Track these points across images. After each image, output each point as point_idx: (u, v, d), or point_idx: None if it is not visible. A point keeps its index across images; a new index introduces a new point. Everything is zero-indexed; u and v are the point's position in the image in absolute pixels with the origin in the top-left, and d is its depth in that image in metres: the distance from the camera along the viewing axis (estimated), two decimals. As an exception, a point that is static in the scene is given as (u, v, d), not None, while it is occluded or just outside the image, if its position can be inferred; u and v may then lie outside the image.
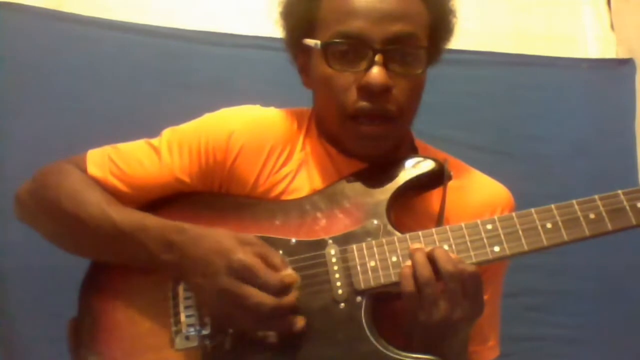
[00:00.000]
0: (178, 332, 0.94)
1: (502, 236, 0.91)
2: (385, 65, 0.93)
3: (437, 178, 1.00)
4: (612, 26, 2.06)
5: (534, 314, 1.80)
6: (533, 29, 2.02)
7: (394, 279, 0.91)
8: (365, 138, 0.98)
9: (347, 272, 0.93)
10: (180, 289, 0.96)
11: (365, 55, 0.94)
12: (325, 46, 0.96)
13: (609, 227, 0.89)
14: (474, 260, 0.90)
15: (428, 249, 0.89)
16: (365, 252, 0.93)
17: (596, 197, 0.91)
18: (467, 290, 0.86)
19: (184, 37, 1.71)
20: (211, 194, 1.04)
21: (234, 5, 1.81)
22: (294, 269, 0.94)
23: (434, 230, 0.93)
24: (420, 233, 0.93)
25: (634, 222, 0.89)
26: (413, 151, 1.08)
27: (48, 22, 1.62)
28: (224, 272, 0.88)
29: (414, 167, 1.00)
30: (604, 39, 2.05)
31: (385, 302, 0.94)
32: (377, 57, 0.93)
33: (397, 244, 0.93)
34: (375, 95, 0.94)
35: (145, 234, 0.94)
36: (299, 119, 1.09)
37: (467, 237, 0.91)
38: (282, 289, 0.88)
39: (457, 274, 0.85)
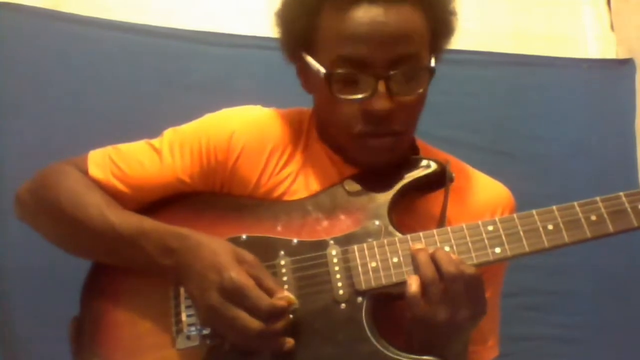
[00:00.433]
0: (179, 331, 0.94)
1: (504, 237, 0.91)
2: (388, 90, 0.92)
3: (438, 179, 1.00)
4: (612, 26, 2.06)
5: (534, 314, 1.80)
6: (533, 29, 2.02)
7: (395, 279, 0.91)
8: (373, 153, 0.98)
9: (348, 272, 0.93)
10: (182, 289, 0.96)
11: (367, 81, 0.93)
12: (329, 76, 0.94)
13: (611, 229, 0.89)
14: (475, 261, 0.90)
15: (430, 250, 0.89)
16: (366, 252, 0.94)
17: (597, 198, 0.91)
18: (470, 291, 0.86)
19: (183, 37, 1.71)
20: (212, 194, 1.04)
21: (233, 5, 1.81)
22: (295, 269, 0.94)
23: (435, 231, 0.93)
24: (421, 234, 0.93)
25: (635, 224, 0.89)
26: (415, 152, 1.08)
27: (47, 22, 1.62)
28: (215, 289, 0.87)
29: (415, 169, 1.01)
30: (604, 39, 2.05)
31: (386, 303, 0.94)
32: (380, 84, 0.92)
33: (398, 244, 0.93)
34: (379, 120, 0.94)
35: (144, 238, 0.94)
36: (299, 120, 1.09)
37: (468, 238, 0.92)
38: (272, 314, 0.86)
39: (459, 275, 0.85)
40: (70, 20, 1.64)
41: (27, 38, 1.59)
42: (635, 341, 1.83)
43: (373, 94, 0.92)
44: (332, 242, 0.96)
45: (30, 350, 1.48)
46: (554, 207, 0.91)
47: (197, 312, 0.92)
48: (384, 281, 0.92)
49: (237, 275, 0.87)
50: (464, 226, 0.92)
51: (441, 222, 0.99)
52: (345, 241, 0.95)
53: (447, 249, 0.91)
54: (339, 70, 0.93)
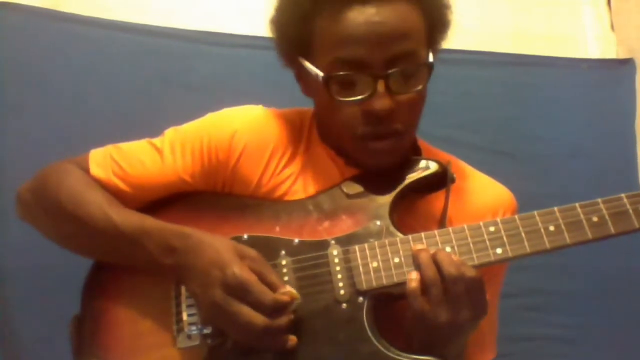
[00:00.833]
0: (180, 330, 0.94)
1: (505, 238, 0.91)
2: (387, 89, 0.92)
3: (440, 180, 1.00)
4: (612, 26, 2.06)
5: (534, 314, 1.80)
6: (533, 29, 2.02)
7: (396, 279, 0.91)
8: (376, 155, 0.98)
9: (350, 272, 0.93)
10: (183, 288, 0.96)
11: (366, 81, 0.92)
12: (327, 79, 0.94)
13: (612, 230, 0.89)
14: (476, 262, 0.90)
15: (431, 251, 0.89)
16: (367, 252, 0.94)
17: (599, 200, 0.91)
18: (471, 293, 0.86)
19: (184, 37, 1.71)
20: (214, 193, 1.04)
21: (233, 5, 1.81)
22: (296, 269, 0.94)
23: (436, 231, 0.93)
24: (422, 234, 0.93)
25: (637, 225, 0.89)
26: (416, 152, 1.08)
27: (47, 22, 1.62)
28: (218, 286, 0.87)
29: (417, 169, 1.01)
30: (604, 39, 2.05)
31: (387, 303, 0.94)
32: (379, 84, 0.92)
33: (399, 245, 0.93)
34: (380, 119, 0.94)
35: (146, 237, 0.94)
36: (300, 120, 1.09)
37: (469, 238, 0.92)
38: (276, 309, 0.87)
39: (460, 276, 0.85)
40: (71, 20, 1.64)
41: (27, 38, 1.59)
42: (635, 341, 1.83)
43: (373, 94, 0.92)
44: (333, 242, 0.96)
45: (30, 350, 1.48)
46: (556, 209, 0.91)
47: (199, 310, 0.92)
48: (385, 281, 0.92)
49: (239, 270, 0.87)
50: (466, 227, 0.93)
51: (442, 222, 0.99)
52: (346, 241, 0.95)
53: (448, 249, 0.91)
54: (337, 73, 0.93)
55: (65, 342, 1.02)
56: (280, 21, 1.02)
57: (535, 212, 0.92)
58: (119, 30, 1.66)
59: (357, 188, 1.00)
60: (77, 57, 1.62)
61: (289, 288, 0.89)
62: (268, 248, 0.95)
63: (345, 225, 0.97)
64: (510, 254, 0.90)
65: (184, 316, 0.94)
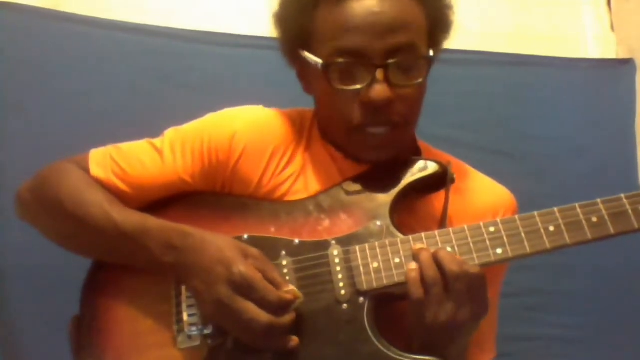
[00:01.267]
0: (180, 331, 0.94)
1: (505, 238, 0.91)
2: (386, 79, 0.93)
3: (440, 180, 1.01)
4: (612, 26, 2.06)
5: (534, 314, 1.80)
6: (533, 29, 2.02)
7: (396, 280, 0.91)
8: (373, 147, 0.99)
9: (350, 272, 0.93)
10: (183, 288, 0.96)
11: (366, 71, 0.93)
12: (326, 67, 0.95)
13: (611, 230, 0.89)
14: (476, 262, 0.90)
15: (432, 250, 0.89)
16: (368, 253, 0.94)
17: (598, 200, 0.91)
18: (472, 291, 0.86)
19: (183, 37, 1.70)
20: (214, 194, 1.04)
21: (233, 5, 1.81)
22: (297, 269, 0.94)
23: (436, 232, 0.93)
24: (423, 235, 0.93)
25: (636, 225, 0.89)
26: (416, 153, 1.08)
27: (47, 22, 1.62)
28: (223, 282, 0.87)
29: (417, 169, 1.01)
30: (604, 39, 2.05)
31: (387, 303, 0.94)
32: (378, 73, 0.92)
33: (400, 245, 0.93)
34: (378, 110, 0.94)
35: (147, 236, 0.94)
36: (301, 120, 1.09)
37: (469, 239, 0.92)
38: (281, 307, 0.87)
39: (462, 274, 0.86)
40: (71, 20, 1.63)
41: (27, 38, 1.58)
42: (635, 341, 1.83)
43: (371, 84, 0.93)
44: (333, 242, 0.96)
45: (30, 350, 1.48)
46: (555, 209, 0.91)
47: (202, 308, 0.92)
48: (385, 281, 0.92)
49: (245, 268, 0.88)
50: (466, 227, 0.93)
51: (442, 222, 1.00)
52: (346, 241, 0.96)
53: (448, 249, 0.91)
54: (336, 60, 0.94)
55: (65, 342, 1.02)
56: (282, 15, 1.03)
57: (536, 213, 0.92)
58: (119, 30, 1.66)
59: (358, 188, 1.00)
60: (77, 57, 1.61)
61: (291, 287, 0.90)
62: (268, 248, 0.95)
63: (346, 225, 0.97)
64: (510, 254, 0.90)
65: (185, 316, 0.94)
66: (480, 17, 1.98)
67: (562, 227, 0.90)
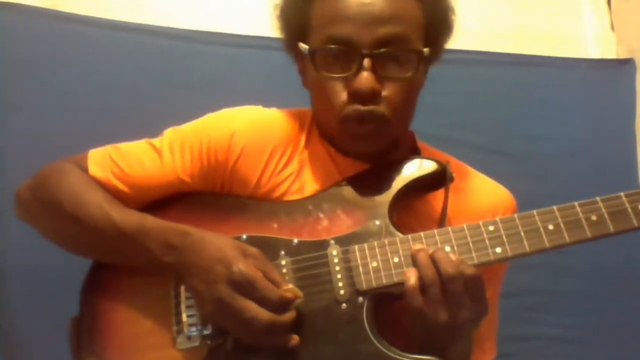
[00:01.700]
0: (180, 331, 0.94)
1: (504, 237, 0.91)
2: (374, 68, 0.93)
3: (439, 179, 1.00)
4: (612, 26, 2.06)
5: (534, 314, 1.80)
6: (533, 29, 2.02)
7: (395, 279, 0.91)
8: (358, 138, 0.99)
9: (349, 272, 0.93)
10: (182, 289, 0.96)
11: (353, 59, 0.94)
12: (313, 52, 0.96)
13: (611, 229, 0.89)
14: (475, 261, 0.90)
15: (430, 250, 0.89)
16: (367, 252, 0.94)
17: (598, 199, 0.91)
18: (470, 292, 0.86)
19: (183, 37, 1.71)
20: (213, 194, 1.04)
21: (233, 5, 1.81)
22: (296, 269, 0.94)
23: (436, 231, 0.93)
24: (422, 234, 0.93)
25: (635, 224, 0.89)
26: (415, 152, 1.08)
27: (47, 22, 1.62)
28: (223, 282, 0.87)
29: (416, 169, 1.00)
30: (604, 39, 2.05)
31: (386, 303, 0.94)
32: (366, 61, 0.93)
33: (399, 244, 0.93)
34: (364, 99, 0.94)
35: (146, 236, 0.94)
36: (300, 120, 1.09)
37: (469, 238, 0.91)
38: (281, 305, 0.87)
39: (458, 276, 0.85)
40: (70, 20, 1.64)
41: (27, 38, 1.59)
42: (635, 341, 1.83)
43: (358, 72, 0.93)
44: (332, 242, 0.96)
45: (30, 350, 1.48)
46: (555, 207, 0.91)
47: (202, 308, 0.92)
48: (384, 281, 0.92)
49: (245, 267, 0.88)
50: (465, 226, 0.92)
51: (442, 222, 0.99)
52: (345, 241, 0.95)
53: (447, 249, 0.91)
54: (323, 47, 0.95)
55: (65, 342, 1.02)
56: (282, 10, 1.04)
57: (535, 211, 0.92)
58: (119, 30, 1.66)
59: (357, 187, 1.00)
60: (77, 57, 1.62)
61: (291, 286, 0.90)
62: (267, 248, 0.95)
63: (345, 225, 0.97)
64: (509, 253, 0.90)
65: (184, 317, 0.94)
66: (481, 17, 1.98)
67: (562, 225, 0.90)
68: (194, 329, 0.93)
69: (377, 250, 0.93)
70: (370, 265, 0.93)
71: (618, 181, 1.87)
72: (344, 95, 0.96)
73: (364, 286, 0.92)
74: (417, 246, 0.91)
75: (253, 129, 1.04)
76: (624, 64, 2.01)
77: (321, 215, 0.99)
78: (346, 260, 0.94)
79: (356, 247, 0.94)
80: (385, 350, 0.89)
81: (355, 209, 0.98)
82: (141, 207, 1.02)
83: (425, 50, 0.97)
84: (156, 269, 0.95)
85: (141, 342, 0.96)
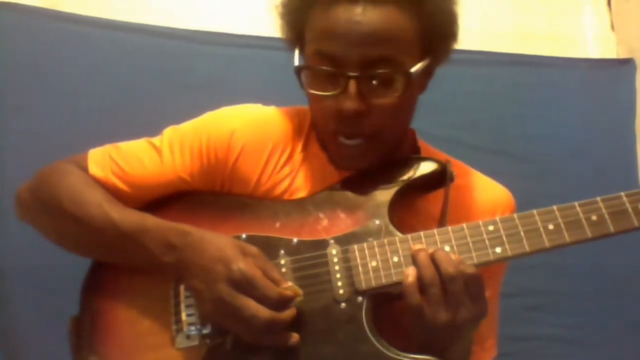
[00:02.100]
0: (179, 330, 0.94)
1: (504, 237, 0.90)
2: (359, 90, 0.91)
3: (439, 179, 1.00)
4: (612, 26, 2.06)
5: (534, 314, 1.80)
6: (534, 29, 2.03)
7: (395, 279, 0.91)
8: (346, 156, 0.99)
9: (349, 272, 0.93)
10: (182, 288, 0.96)
11: (338, 79, 0.92)
12: (299, 69, 0.95)
13: (611, 229, 0.89)
14: (475, 261, 0.90)
15: (430, 250, 0.89)
16: (366, 252, 0.93)
17: (598, 199, 0.90)
18: (470, 291, 0.86)
19: (184, 36, 1.71)
20: (213, 193, 1.04)
21: (234, 5, 1.81)
22: (295, 268, 0.94)
23: (435, 230, 0.93)
24: (422, 233, 0.93)
25: (636, 224, 0.89)
26: (415, 151, 1.08)
27: (47, 21, 1.62)
28: (223, 280, 0.87)
29: (416, 168, 1.00)
30: (604, 39, 2.05)
31: (386, 303, 0.94)
32: (351, 83, 0.91)
33: (398, 244, 0.93)
34: (348, 120, 0.93)
35: (146, 235, 0.94)
36: (300, 118, 1.09)
37: (468, 237, 0.91)
38: (281, 303, 0.88)
39: (458, 275, 0.85)
40: (70, 19, 1.64)
41: (26, 38, 1.59)
42: (635, 341, 1.83)
43: (343, 93, 0.92)
44: (332, 241, 0.95)
45: (30, 350, 1.48)
46: (555, 207, 0.91)
47: (202, 307, 0.92)
48: (384, 280, 0.91)
49: (245, 266, 0.88)
50: (465, 226, 0.92)
51: (441, 221, 0.99)
52: (345, 240, 0.95)
53: (447, 248, 0.91)
54: (307, 65, 0.94)
55: (65, 341, 1.02)
56: (283, 11, 1.03)
57: (535, 211, 0.91)
58: (119, 30, 1.66)
59: (356, 187, 1.00)
60: (76, 57, 1.62)
61: (290, 284, 0.90)
62: (267, 248, 0.95)
63: (344, 224, 0.97)
64: (509, 253, 0.90)
65: (183, 316, 0.94)
66: (481, 17, 1.98)
67: (562, 225, 0.90)
68: (193, 328, 0.93)
69: (376, 249, 0.93)
70: (369, 265, 0.92)
71: (618, 181, 1.87)
72: (331, 111, 0.95)
73: (364, 286, 0.92)
74: (417, 246, 0.91)
75: (253, 128, 1.04)
76: (624, 64, 2.01)
77: (321, 215, 0.99)
78: (346, 259, 0.94)
79: (356, 246, 0.94)
80: (385, 350, 0.89)
81: (354, 209, 0.98)
82: (141, 207, 1.02)
83: (415, 69, 0.94)
84: (156, 268, 0.95)
85: (140, 342, 0.96)
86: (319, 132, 1.03)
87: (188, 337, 0.94)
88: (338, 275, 0.93)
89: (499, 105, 1.91)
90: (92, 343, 0.98)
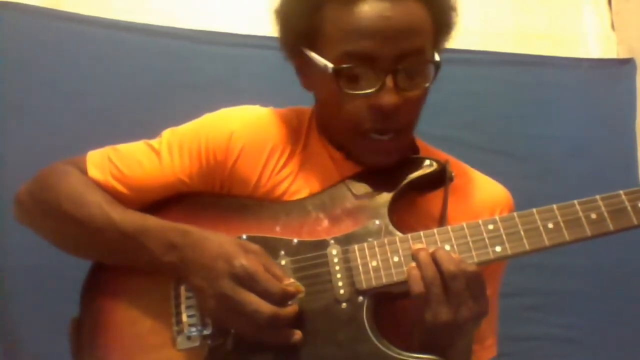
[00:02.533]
0: (180, 331, 0.94)
1: (504, 236, 0.90)
2: (395, 84, 0.92)
3: (439, 179, 1.00)
4: (612, 26, 2.06)
5: (534, 314, 1.80)
6: (534, 29, 2.03)
7: (395, 278, 0.91)
8: (378, 152, 0.99)
9: (349, 272, 0.93)
10: (182, 289, 0.96)
11: (375, 76, 0.92)
12: (337, 71, 0.93)
13: (611, 227, 0.89)
14: (475, 260, 0.90)
15: (430, 249, 0.89)
16: (367, 252, 0.93)
17: (597, 197, 0.90)
18: (471, 290, 0.86)
19: (184, 36, 1.71)
20: (212, 194, 1.04)
21: (234, 5, 1.81)
22: (296, 269, 0.94)
23: (435, 230, 0.93)
24: (422, 233, 0.93)
25: (635, 222, 0.89)
26: (414, 151, 1.08)
27: (48, 21, 1.62)
28: (225, 276, 0.87)
29: (416, 168, 1.00)
30: (604, 39, 2.06)
31: (387, 303, 0.94)
32: (388, 79, 0.92)
33: (398, 244, 0.93)
34: (387, 116, 0.94)
35: (147, 236, 0.94)
36: (299, 119, 1.09)
37: (468, 237, 0.91)
38: (283, 298, 0.88)
39: (459, 274, 0.85)
40: (71, 19, 1.64)
41: (27, 37, 1.59)
42: (635, 341, 1.83)
43: (381, 89, 0.92)
44: (332, 241, 0.95)
45: (30, 350, 1.48)
46: (554, 206, 0.91)
47: (203, 305, 0.91)
48: (384, 280, 0.91)
49: (247, 261, 0.88)
50: (465, 225, 0.92)
51: (441, 221, 0.99)
52: (345, 241, 0.95)
53: (447, 248, 0.91)
54: (347, 65, 0.93)
55: (65, 342, 1.02)
56: (286, 11, 1.02)
57: (534, 210, 0.91)
58: (120, 30, 1.67)
59: (356, 187, 1.00)
60: (77, 57, 1.62)
61: (292, 280, 0.90)
62: (267, 248, 0.94)
63: (344, 224, 0.97)
64: (509, 252, 0.90)
65: (184, 317, 0.94)
66: (481, 16, 1.98)
67: (561, 224, 0.89)
68: (194, 329, 0.93)
69: (376, 249, 0.93)
70: (370, 265, 0.92)
71: (618, 181, 1.87)
72: (365, 112, 0.95)
73: (364, 285, 0.92)
74: (417, 245, 0.91)
75: (252, 129, 1.04)
76: (624, 64, 2.01)
77: (321, 215, 0.99)
78: (346, 260, 0.94)
79: (356, 246, 0.94)
80: (385, 350, 0.89)
81: (354, 209, 0.98)
82: (141, 209, 1.01)
83: (437, 57, 0.96)
84: (157, 268, 0.95)
85: (141, 343, 0.96)
86: (340, 134, 1.01)
87: (189, 338, 0.94)
88: (338, 276, 0.93)
89: (499, 105, 1.91)
90: (92, 344, 0.98)
